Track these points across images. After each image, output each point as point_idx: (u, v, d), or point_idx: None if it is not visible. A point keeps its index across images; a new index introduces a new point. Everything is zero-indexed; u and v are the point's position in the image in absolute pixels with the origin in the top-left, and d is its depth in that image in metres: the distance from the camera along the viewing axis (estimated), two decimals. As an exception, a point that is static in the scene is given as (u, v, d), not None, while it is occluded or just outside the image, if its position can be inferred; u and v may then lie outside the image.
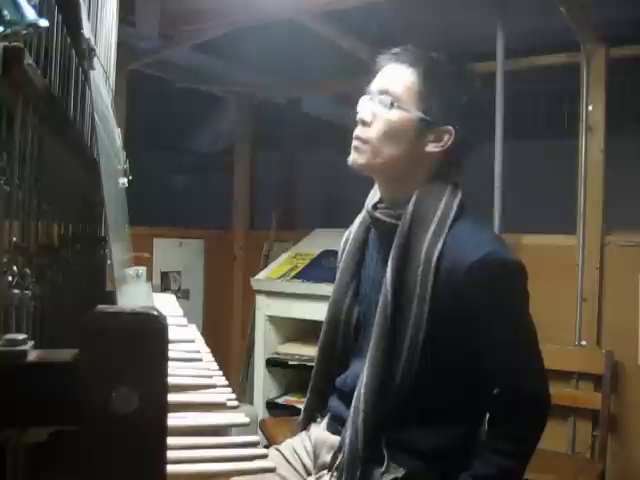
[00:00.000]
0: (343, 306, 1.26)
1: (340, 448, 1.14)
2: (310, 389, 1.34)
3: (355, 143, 1.17)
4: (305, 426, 1.33)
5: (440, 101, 1.14)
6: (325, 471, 1.19)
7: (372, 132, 1.16)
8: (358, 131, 1.18)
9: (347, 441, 1.11)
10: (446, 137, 1.15)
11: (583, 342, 2.44)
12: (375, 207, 1.22)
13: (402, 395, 1.11)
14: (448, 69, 1.17)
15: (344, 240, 1.34)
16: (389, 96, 1.15)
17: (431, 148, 1.15)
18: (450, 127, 1.14)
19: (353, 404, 1.13)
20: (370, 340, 1.18)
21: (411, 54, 1.17)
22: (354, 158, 1.18)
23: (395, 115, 1.14)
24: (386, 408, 1.10)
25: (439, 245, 1.09)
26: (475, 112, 1.19)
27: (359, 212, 1.32)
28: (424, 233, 1.11)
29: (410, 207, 1.13)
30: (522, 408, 1.12)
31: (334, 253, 2.61)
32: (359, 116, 1.18)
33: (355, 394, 1.13)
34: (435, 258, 1.09)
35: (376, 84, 1.19)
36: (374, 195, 1.26)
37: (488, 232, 1.16)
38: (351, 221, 1.39)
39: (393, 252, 1.12)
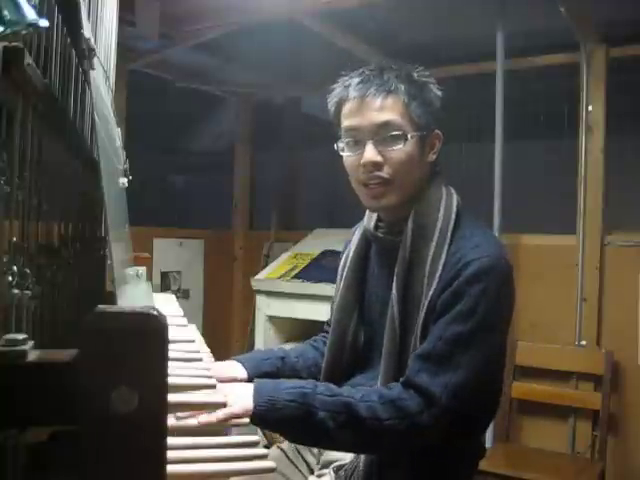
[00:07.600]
0: (350, 325, 1.24)
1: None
2: None
3: (377, 190, 1.13)
4: None
5: (425, 111, 1.14)
6: (326, 470, 1.19)
7: (390, 170, 1.12)
8: (373, 174, 1.12)
9: None
10: (437, 142, 1.18)
11: (583, 342, 2.44)
12: (376, 227, 1.22)
13: None
14: (418, 77, 1.15)
15: (344, 255, 1.32)
16: (393, 129, 1.11)
17: (430, 157, 1.18)
18: (437, 132, 1.18)
19: None
20: (375, 352, 1.18)
21: (382, 78, 1.12)
22: (385, 202, 1.14)
23: (407, 146, 1.12)
24: None
25: (443, 256, 1.09)
26: (445, 109, 1.19)
27: (359, 212, 1.30)
28: (427, 246, 1.11)
29: (410, 222, 1.13)
30: (405, 404, 1.01)
31: (334, 253, 2.61)
32: (368, 160, 1.11)
33: None
34: (440, 269, 1.08)
35: (367, 119, 1.12)
36: (371, 215, 1.25)
37: (489, 236, 1.15)
38: (351, 221, 1.38)
39: (398, 267, 1.12)
